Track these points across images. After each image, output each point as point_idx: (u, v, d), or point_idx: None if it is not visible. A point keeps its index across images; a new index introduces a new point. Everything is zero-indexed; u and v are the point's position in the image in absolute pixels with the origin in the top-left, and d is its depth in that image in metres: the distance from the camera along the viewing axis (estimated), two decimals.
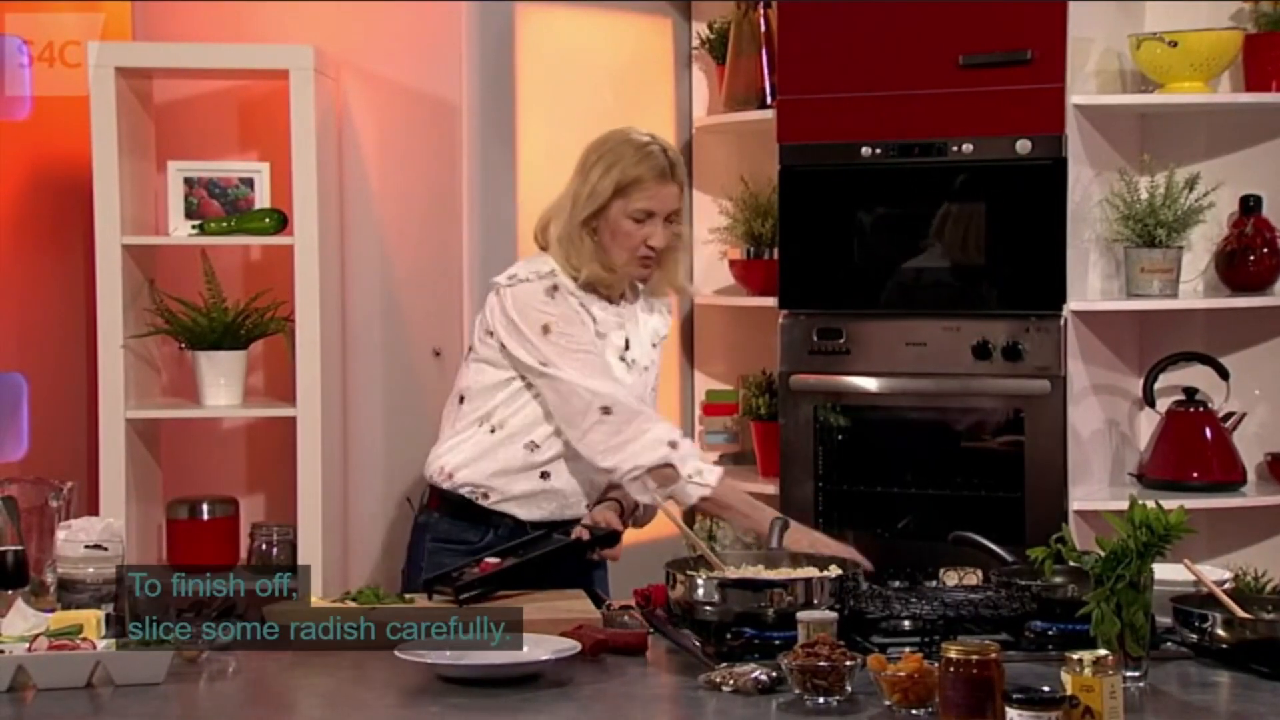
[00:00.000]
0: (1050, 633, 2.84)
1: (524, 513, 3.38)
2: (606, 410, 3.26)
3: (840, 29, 4.36)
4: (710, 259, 4.95)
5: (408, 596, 3.13)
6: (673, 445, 3.26)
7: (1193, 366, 4.41)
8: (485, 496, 3.37)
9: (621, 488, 3.36)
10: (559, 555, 3.21)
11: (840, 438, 4.40)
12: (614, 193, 3.32)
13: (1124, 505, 2.71)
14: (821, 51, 4.38)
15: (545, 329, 3.31)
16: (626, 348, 3.41)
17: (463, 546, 3.36)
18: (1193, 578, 2.92)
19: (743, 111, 4.72)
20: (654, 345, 3.49)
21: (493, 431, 3.37)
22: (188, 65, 4.27)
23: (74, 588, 2.99)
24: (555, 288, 3.34)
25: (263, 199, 4.30)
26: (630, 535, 3.65)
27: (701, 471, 3.26)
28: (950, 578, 3.12)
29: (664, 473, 3.25)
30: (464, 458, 3.39)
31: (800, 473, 4.39)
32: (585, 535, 3.24)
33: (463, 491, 3.39)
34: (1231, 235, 4.39)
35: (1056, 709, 2.29)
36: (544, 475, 3.38)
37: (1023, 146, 4.17)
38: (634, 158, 3.33)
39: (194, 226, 4.25)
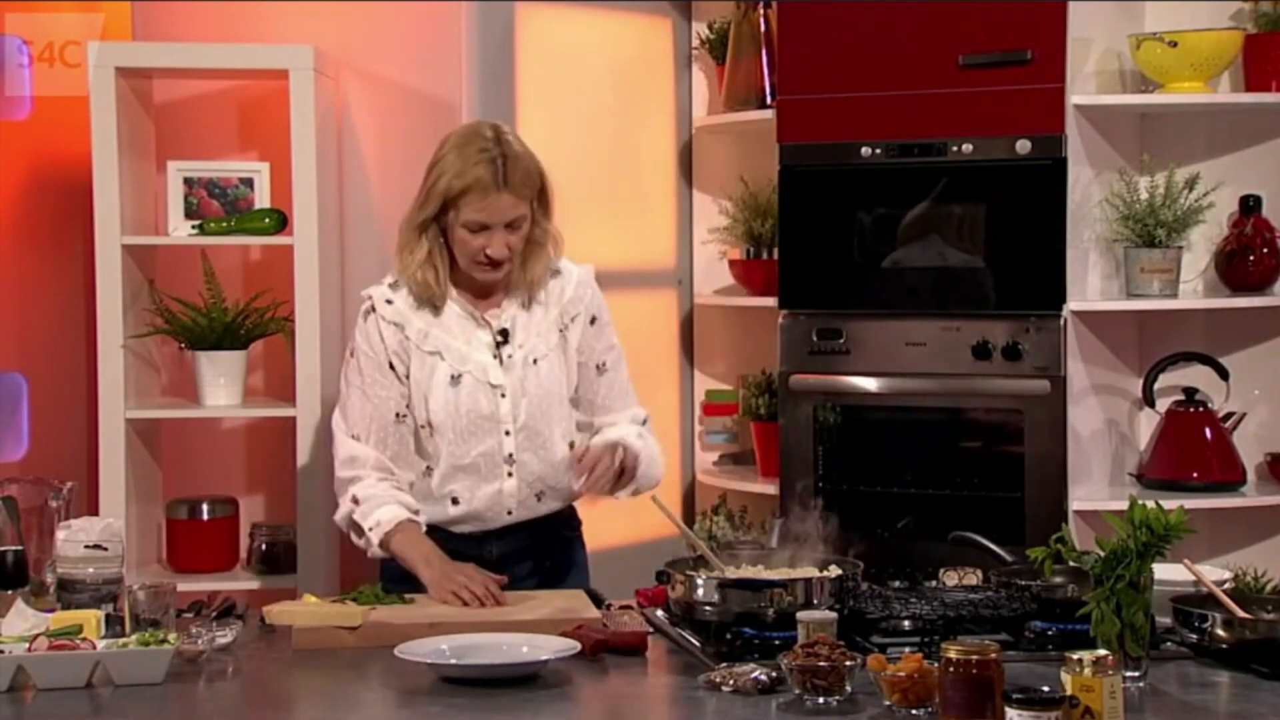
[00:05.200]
0: (1050, 633, 2.84)
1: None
2: (338, 450, 3.31)
3: (840, 29, 4.36)
4: (710, 259, 4.95)
5: (408, 597, 3.13)
6: (356, 501, 3.24)
7: (1192, 366, 4.41)
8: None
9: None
10: None
11: (840, 438, 4.40)
12: (444, 203, 3.22)
13: (1124, 505, 2.71)
14: (821, 51, 4.38)
15: (351, 351, 3.34)
16: (503, 343, 3.28)
17: None
18: (1193, 578, 2.93)
19: (742, 111, 4.72)
20: (562, 330, 3.33)
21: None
22: (188, 65, 4.27)
23: (74, 588, 2.99)
24: (371, 309, 3.31)
25: (262, 199, 4.30)
26: (631, 535, 3.66)
27: (380, 523, 3.21)
28: (950, 578, 3.12)
29: (353, 525, 3.26)
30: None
31: (800, 473, 4.38)
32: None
33: None
34: (1231, 235, 4.39)
35: (1056, 709, 2.29)
36: (454, 501, 3.31)
37: (1023, 146, 4.17)
38: (461, 166, 3.19)
39: (194, 226, 4.25)
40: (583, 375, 3.37)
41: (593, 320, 3.38)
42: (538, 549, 3.35)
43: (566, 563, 3.41)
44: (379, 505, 3.22)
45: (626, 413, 3.41)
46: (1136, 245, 4.31)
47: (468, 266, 3.25)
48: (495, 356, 3.29)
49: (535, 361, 3.30)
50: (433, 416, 3.27)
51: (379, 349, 3.28)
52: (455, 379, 3.27)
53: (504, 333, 3.30)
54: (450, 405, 3.26)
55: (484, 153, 3.19)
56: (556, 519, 3.39)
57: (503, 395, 3.27)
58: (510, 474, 3.29)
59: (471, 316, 3.30)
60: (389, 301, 3.30)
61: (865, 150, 4.31)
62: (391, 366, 3.28)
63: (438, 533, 3.28)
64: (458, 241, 3.23)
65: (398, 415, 3.28)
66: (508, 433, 3.28)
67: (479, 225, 3.20)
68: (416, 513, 3.26)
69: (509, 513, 3.31)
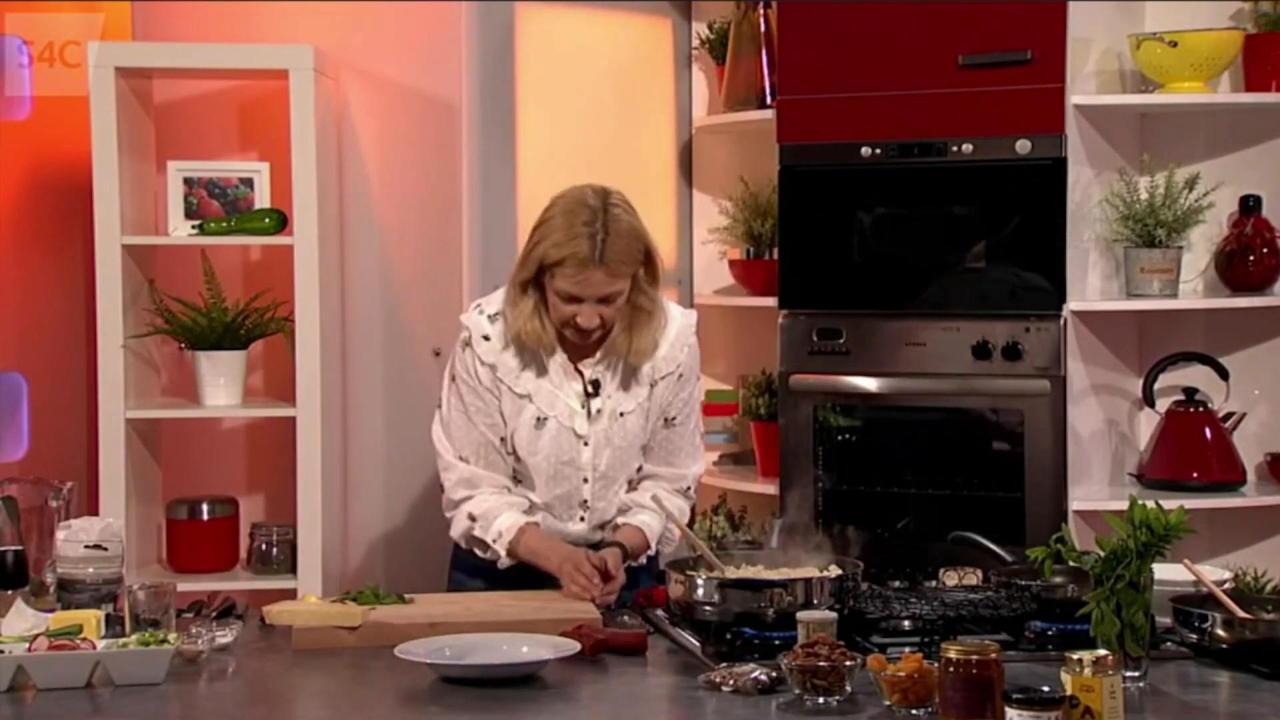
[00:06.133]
0: (1050, 633, 2.84)
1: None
2: (447, 471, 3.35)
3: (840, 29, 4.36)
4: (710, 259, 4.95)
5: (407, 597, 3.13)
6: (472, 518, 3.30)
7: (1192, 366, 4.41)
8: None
9: (623, 527, 3.36)
10: None
11: (840, 438, 4.40)
12: (539, 269, 3.23)
13: (1124, 505, 2.71)
14: (821, 51, 4.38)
15: (452, 377, 3.36)
16: (593, 394, 3.31)
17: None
18: (1193, 578, 2.93)
19: (742, 111, 4.72)
20: (652, 385, 3.35)
21: None
22: (188, 65, 4.28)
23: (74, 588, 2.99)
24: (468, 343, 3.33)
25: (262, 199, 4.30)
26: None
27: (501, 534, 3.28)
28: (950, 578, 3.13)
29: (476, 541, 3.32)
30: None
31: (800, 473, 4.39)
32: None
33: None
34: (1231, 235, 4.39)
35: (1056, 709, 2.29)
36: (527, 511, 3.36)
37: (1023, 146, 4.17)
38: (559, 238, 3.18)
39: (194, 226, 4.25)
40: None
41: (680, 376, 3.40)
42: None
43: (631, 570, 3.38)
44: (496, 516, 3.29)
45: (674, 471, 3.43)
46: (1136, 245, 4.31)
47: (559, 328, 3.28)
48: (584, 407, 3.32)
49: (622, 415, 3.34)
50: (519, 452, 3.32)
51: (475, 383, 3.32)
52: (540, 422, 3.31)
53: (595, 384, 3.33)
54: (533, 447, 3.31)
55: (586, 226, 3.18)
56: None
57: (585, 444, 3.32)
58: (582, 519, 3.36)
59: (566, 364, 3.32)
60: (486, 338, 3.32)
61: (865, 150, 4.31)
62: (487, 399, 3.32)
63: None
64: (551, 305, 3.25)
65: (501, 439, 3.33)
66: (585, 480, 3.34)
67: (570, 297, 3.21)
68: (531, 509, 3.32)
69: (572, 544, 3.36)
